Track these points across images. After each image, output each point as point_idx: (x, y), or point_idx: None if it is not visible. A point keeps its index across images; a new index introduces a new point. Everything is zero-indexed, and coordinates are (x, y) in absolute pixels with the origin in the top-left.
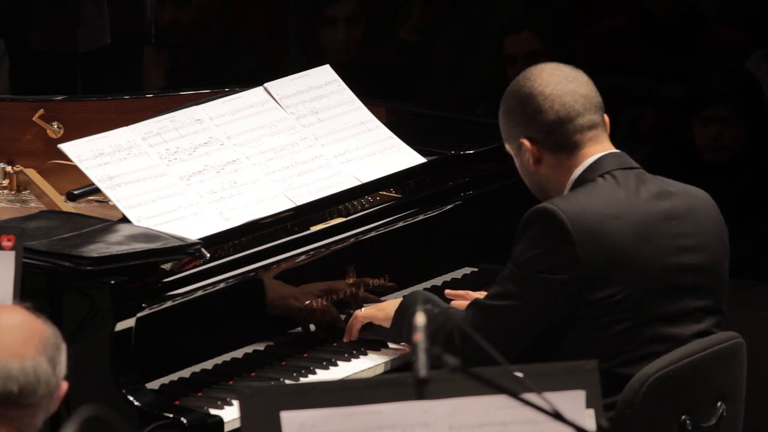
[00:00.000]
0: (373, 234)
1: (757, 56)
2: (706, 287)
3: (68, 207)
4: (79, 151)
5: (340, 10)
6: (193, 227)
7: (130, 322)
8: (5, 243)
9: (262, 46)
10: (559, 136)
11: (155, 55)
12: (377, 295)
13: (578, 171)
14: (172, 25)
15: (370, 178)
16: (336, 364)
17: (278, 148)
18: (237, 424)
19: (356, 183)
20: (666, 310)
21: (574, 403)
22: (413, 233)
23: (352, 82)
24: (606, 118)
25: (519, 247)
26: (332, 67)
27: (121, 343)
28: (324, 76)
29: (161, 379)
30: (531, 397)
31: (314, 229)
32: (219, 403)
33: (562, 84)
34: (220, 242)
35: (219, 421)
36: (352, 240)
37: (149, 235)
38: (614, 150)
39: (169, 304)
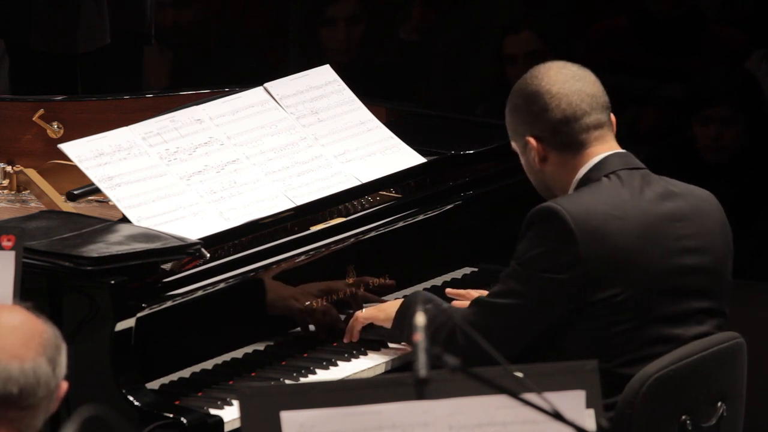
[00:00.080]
0: (373, 234)
1: (757, 56)
2: (708, 289)
3: (68, 207)
4: (79, 151)
5: (340, 10)
6: (193, 227)
7: (130, 322)
8: (5, 243)
9: (262, 46)
10: (565, 134)
11: (155, 55)
12: (377, 294)
13: (583, 170)
14: (173, 25)
15: (370, 178)
16: (336, 364)
17: (278, 148)
18: (237, 424)
19: (356, 183)
20: (668, 311)
21: (574, 403)
22: (413, 233)
23: (352, 82)
24: (613, 117)
25: (522, 246)
26: (332, 67)
27: (121, 343)
28: (324, 76)
29: (161, 379)
30: (531, 397)
31: (314, 229)
32: (219, 403)
33: (569, 83)
34: (220, 242)
35: (219, 421)
36: (352, 240)
37: (149, 235)
38: (620, 150)
39: (169, 304)
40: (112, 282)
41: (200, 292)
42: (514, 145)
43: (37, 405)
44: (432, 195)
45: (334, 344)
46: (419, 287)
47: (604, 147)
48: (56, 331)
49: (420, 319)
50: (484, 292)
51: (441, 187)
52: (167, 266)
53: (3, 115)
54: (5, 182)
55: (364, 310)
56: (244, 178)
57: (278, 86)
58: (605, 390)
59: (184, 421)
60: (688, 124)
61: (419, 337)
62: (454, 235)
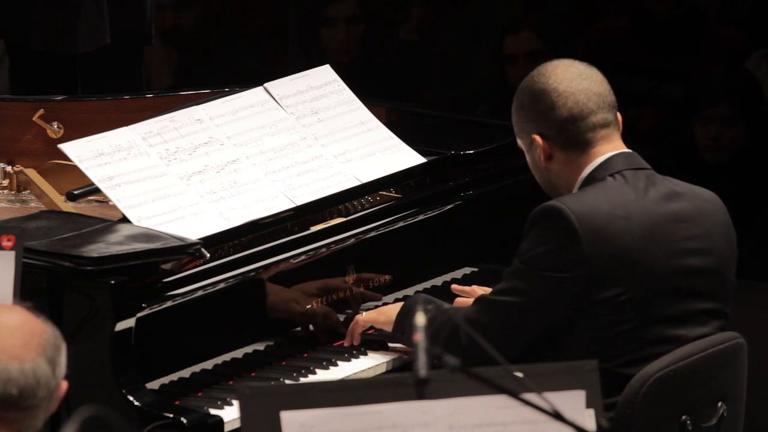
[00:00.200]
0: (373, 234)
1: (757, 56)
2: (711, 290)
3: (68, 207)
4: (79, 151)
5: (340, 10)
6: (193, 227)
7: (130, 322)
8: (5, 243)
9: (262, 46)
10: (571, 133)
11: (155, 55)
12: (378, 295)
13: (588, 169)
14: (173, 26)
15: (370, 178)
16: (336, 364)
17: (278, 148)
18: (237, 424)
19: (356, 183)
20: (671, 311)
21: (574, 403)
22: (413, 233)
23: (352, 82)
24: (619, 117)
25: (525, 244)
26: (332, 67)
27: (121, 343)
28: (324, 76)
29: (161, 379)
30: (531, 397)
31: (314, 229)
32: (219, 403)
33: (576, 81)
34: (220, 242)
35: (219, 421)
36: (352, 240)
37: (149, 235)
38: (626, 150)
39: (169, 304)
40: (112, 282)
41: (200, 292)
42: (519, 142)
43: (37, 405)
44: (432, 195)
45: (335, 344)
46: (419, 287)
47: (610, 146)
48: (56, 331)
49: (420, 319)
50: (490, 290)
51: (441, 187)
52: (167, 266)
53: (3, 115)
54: (5, 182)
55: (364, 313)
56: (244, 178)
57: (278, 86)
58: (605, 390)
59: (184, 421)
60: (688, 124)
61: (419, 337)
62: (454, 235)
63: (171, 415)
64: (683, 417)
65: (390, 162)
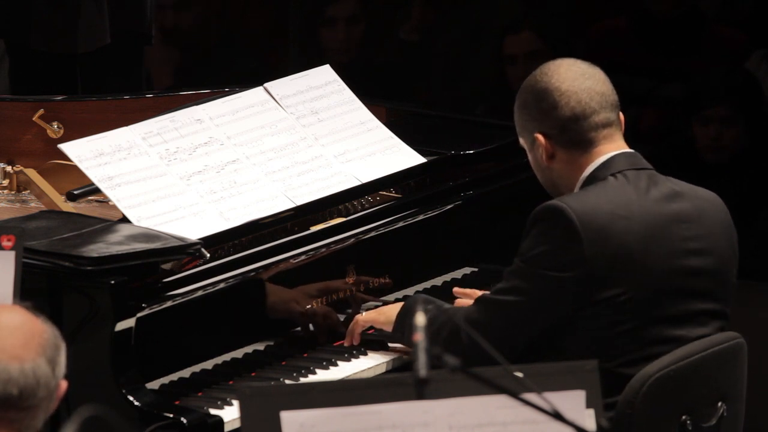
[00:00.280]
0: (373, 234)
1: (757, 56)
2: (712, 291)
3: (68, 207)
4: (79, 151)
5: (340, 10)
6: (193, 227)
7: (130, 322)
8: (5, 243)
9: (262, 46)
10: (573, 132)
11: (155, 55)
12: (377, 295)
13: (590, 169)
14: (173, 26)
15: (370, 178)
16: (336, 364)
17: (278, 148)
18: (237, 424)
19: (356, 183)
20: (671, 312)
21: (574, 403)
22: (413, 233)
23: (352, 82)
24: (621, 116)
25: (526, 243)
26: (332, 67)
27: (121, 343)
28: (324, 76)
29: (161, 379)
30: (531, 397)
31: (314, 229)
32: (219, 403)
33: (578, 80)
34: (220, 242)
35: (219, 421)
36: (352, 240)
37: (149, 235)
38: (628, 149)
39: (169, 304)
40: (112, 282)
41: (200, 292)
42: (522, 141)
43: (37, 405)
44: (432, 195)
45: (335, 344)
46: (419, 287)
47: (612, 146)
48: (56, 331)
49: (420, 319)
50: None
51: (441, 187)
52: (167, 266)
53: (3, 115)
54: (5, 182)
55: (364, 313)
56: (244, 178)
57: (278, 86)
58: (605, 390)
59: (184, 421)
60: (688, 124)
61: (419, 337)
62: (454, 235)
63: (171, 415)
64: (683, 417)
65: (390, 162)
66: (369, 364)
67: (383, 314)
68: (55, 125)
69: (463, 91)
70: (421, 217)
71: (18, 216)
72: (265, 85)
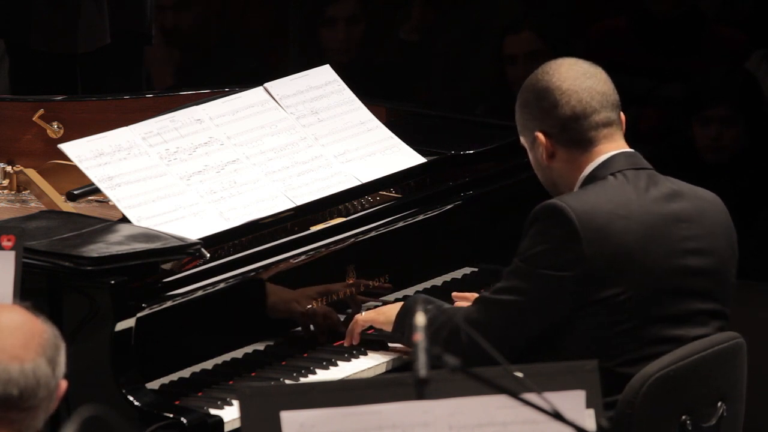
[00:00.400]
0: (373, 234)
1: (757, 56)
2: (711, 291)
3: (68, 207)
4: (79, 151)
5: (340, 10)
6: (193, 227)
7: (130, 322)
8: (5, 243)
9: (262, 46)
10: (573, 131)
11: (155, 55)
12: (377, 295)
13: (590, 168)
14: (173, 26)
15: (370, 178)
16: (336, 364)
17: (278, 148)
18: (237, 424)
19: (356, 183)
20: (670, 312)
21: (574, 403)
22: (413, 233)
23: (352, 82)
24: (622, 116)
25: (525, 243)
26: (332, 67)
27: (121, 343)
28: (324, 76)
29: (161, 379)
30: (531, 397)
31: (314, 229)
32: (219, 403)
33: (579, 80)
34: (220, 242)
35: (219, 421)
36: (352, 240)
37: (149, 235)
38: (628, 149)
39: (169, 304)
40: (112, 282)
41: (200, 292)
42: (522, 140)
43: (37, 406)
44: (432, 195)
45: (335, 344)
46: (419, 287)
47: (612, 145)
48: (56, 330)
49: (420, 319)
50: None
51: (441, 187)
52: (167, 266)
53: (3, 115)
54: (5, 182)
55: (363, 313)
56: (244, 178)
57: (278, 86)
58: (605, 390)
59: (184, 421)
60: (688, 124)
61: (419, 337)
62: (454, 235)
63: (171, 415)
64: (683, 417)
65: (390, 162)
66: (369, 364)
67: (383, 314)
68: (55, 125)
69: (463, 91)
70: (421, 217)
71: (18, 216)
72: (265, 85)
